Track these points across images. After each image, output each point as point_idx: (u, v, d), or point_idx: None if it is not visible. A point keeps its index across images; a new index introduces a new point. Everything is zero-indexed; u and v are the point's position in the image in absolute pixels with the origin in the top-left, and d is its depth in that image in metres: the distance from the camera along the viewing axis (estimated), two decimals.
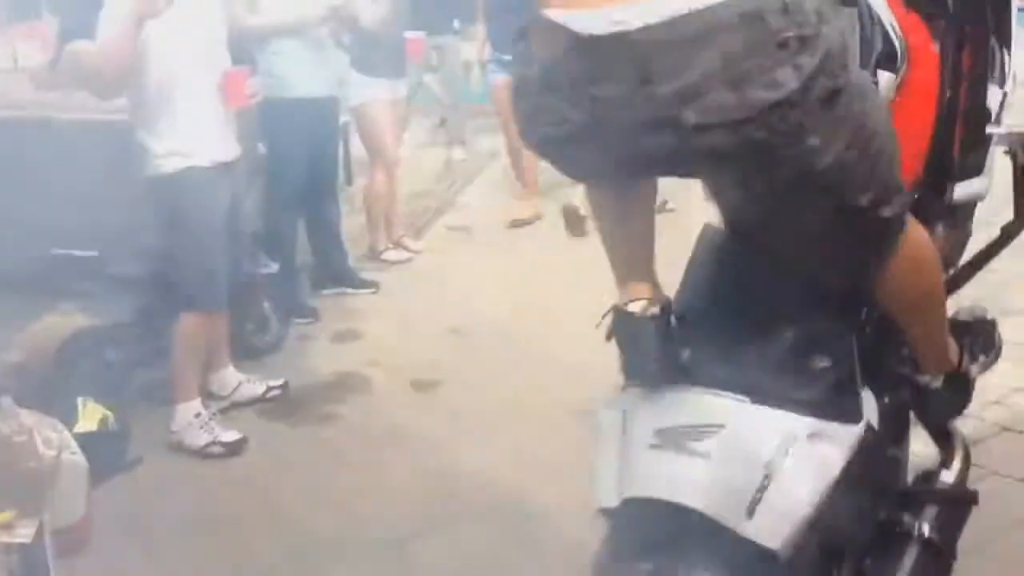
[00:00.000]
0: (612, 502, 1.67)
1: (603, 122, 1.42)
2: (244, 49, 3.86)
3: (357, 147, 6.02)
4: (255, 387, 3.80)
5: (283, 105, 4.27)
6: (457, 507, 3.05)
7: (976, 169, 1.93)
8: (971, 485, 2.76)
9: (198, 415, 3.46)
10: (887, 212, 1.55)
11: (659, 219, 1.80)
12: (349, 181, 6.61)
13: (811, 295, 1.68)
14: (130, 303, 3.79)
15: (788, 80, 1.37)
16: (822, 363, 1.64)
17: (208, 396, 3.66)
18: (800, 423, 1.56)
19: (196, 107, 3.34)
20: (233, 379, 3.79)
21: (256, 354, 4.09)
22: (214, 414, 3.54)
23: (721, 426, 1.55)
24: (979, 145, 1.90)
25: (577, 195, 5.92)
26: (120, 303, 3.78)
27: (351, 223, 5.51)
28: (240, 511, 3.08)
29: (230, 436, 3.45)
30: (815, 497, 1.53)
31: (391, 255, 5.40)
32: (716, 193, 1.74)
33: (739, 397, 1.57)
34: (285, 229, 4.51)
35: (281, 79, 4.29)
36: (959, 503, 1.93)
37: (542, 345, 4.16)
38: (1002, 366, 3.66)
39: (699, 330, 1.64)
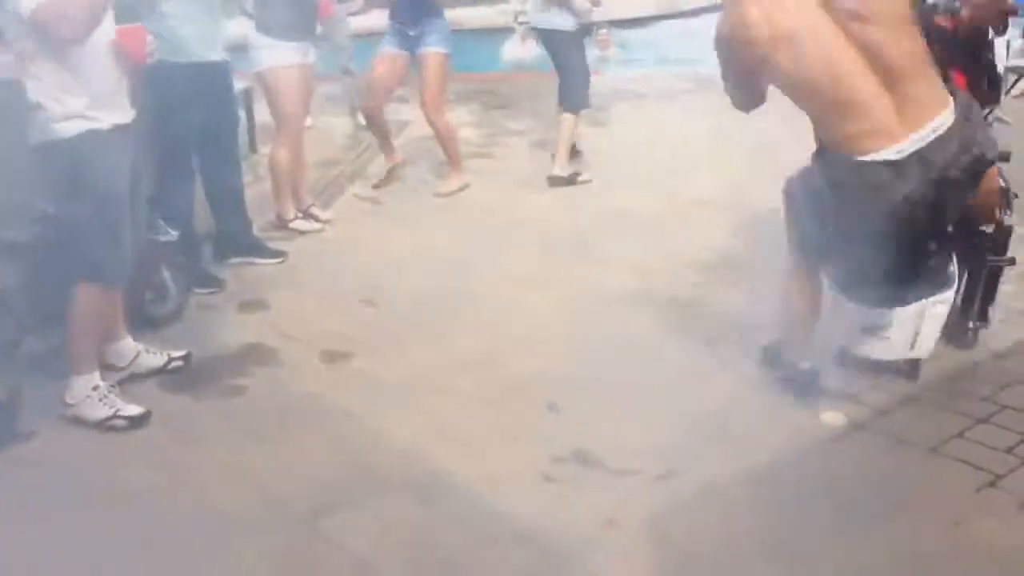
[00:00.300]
0: (840, 345, 3.38)
1: (912, 188, 2.93)
2: (130, 11, 3.65)
3: (261, 114, 5.85)
4: (155, 358, 3.65)
5: (174, 69, 4.08)
6: (371, 481, 2.98)
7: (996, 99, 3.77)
8: (876, 457, 2.90)
9: (96, 388, 3.30)
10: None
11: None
12: (254, 148, 6.43)
13: (932, 222, 3.10)
14: (18, 269, 3.58)
15: (984, 139, 3.03)
16: (934, 250, 3.16)
17: (105, 367, 3.49)
18: (929, 301, 3.16)
19: (93, 67, 3.16)
20: (131, 350, 3.63)
21: (155, 324, 3.93)
22: (113, 386, 3.38)
23: (891, 323, 3.17)
24: (994, 92, 3.71)
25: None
26: (6, 269, 3.57)
27: (257, 191, 5.35)
28: (144, 487, 2.95)
29: (133, 410, 3.30)
30: (940, 329, 3.24)
31: (300, 224, 5.25)
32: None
33: (896, 308, 3.15)
34: (181, 197, 4.32)
35: (171, 43, 4.09)
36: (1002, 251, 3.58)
37: (456, 317, 4.10)
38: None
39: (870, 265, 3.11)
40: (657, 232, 5.00)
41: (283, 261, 4.78)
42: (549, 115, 6.68)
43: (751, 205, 5.19)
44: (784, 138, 6.24)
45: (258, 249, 4.80)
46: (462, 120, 7.38)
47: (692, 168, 5.96)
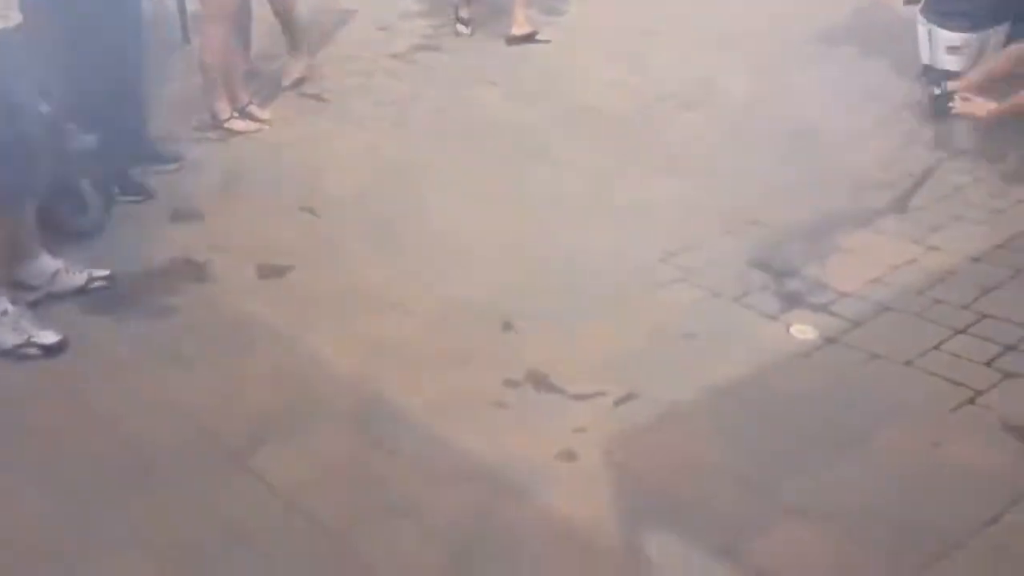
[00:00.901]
0: (925, 62, 4.67)
1: None
2: None
3: (193, 2, 5.41)
4: (75, 277, 3.36)
5: None
6: (309, 409, 2.76)
7: None
8: (847, 372, 2.72)
9: (5, 313, 3.02)
10: None
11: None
12: (186, 39, 5.99)
13: None
14: None
15: None
16: None
17: (20, 288, 3.21)
18: (991, 30, 4.45)
19: None
20: (49, 267, 3.33)
21: (75, 239, 3.62)
22: (27, 307, 3.11)
23: (966, 44, 4.48)
24: None
25: None
26: None
27: (189, 86, 4.97)
28: (56, 422, 2.71)
29: (48, 337, 3.03)
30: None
31: (236, 124, 4.88)
32: None
33: (970, 33, 4.46)
34: (93, 98, 3.92)
35: None
36: None
37: (403, 226, 3.83)
38: (881, 241, 3.59)
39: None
40: (620, 131, 4.71)
41: (179, 168, 4.41)
42: (503, 3, 6.29)
43: (719, 101, 4.92)
44: (754, 28, 5.98)
45: (152, 154, 4.38)
46: (410, 9, 6.96)
47: (658, 61, 5.63)
